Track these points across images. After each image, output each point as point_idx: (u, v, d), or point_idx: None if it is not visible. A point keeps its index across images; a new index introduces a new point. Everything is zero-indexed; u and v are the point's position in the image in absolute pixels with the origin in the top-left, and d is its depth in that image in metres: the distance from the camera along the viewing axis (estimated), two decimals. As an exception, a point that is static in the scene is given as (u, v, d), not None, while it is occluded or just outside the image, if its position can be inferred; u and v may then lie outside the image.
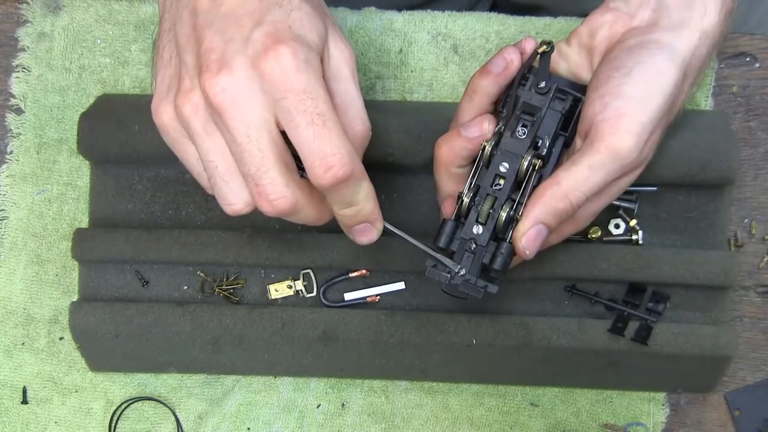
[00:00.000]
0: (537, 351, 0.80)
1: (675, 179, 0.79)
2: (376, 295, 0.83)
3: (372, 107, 0.82)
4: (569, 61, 0.74)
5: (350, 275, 0.83)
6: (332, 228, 0.82)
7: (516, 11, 0.86)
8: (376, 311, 0.81)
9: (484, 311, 0.81)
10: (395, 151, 0.79)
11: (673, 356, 0.80)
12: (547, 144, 0.69)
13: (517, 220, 0.67)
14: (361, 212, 0.65)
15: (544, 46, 0.71)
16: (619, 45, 0.70)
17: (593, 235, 0.82)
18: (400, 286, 0.83)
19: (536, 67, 0.71)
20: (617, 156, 0.66)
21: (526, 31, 0.85)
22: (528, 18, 0.86)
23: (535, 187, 0.68)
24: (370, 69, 0.85)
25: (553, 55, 0.74)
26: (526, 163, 0.67)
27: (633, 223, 0.82)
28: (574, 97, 0.70)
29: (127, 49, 0.86)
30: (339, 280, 0.83)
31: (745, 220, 0.84)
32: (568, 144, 0.72)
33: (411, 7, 0.86)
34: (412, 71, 0.85)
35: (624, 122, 0.66)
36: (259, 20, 0.60)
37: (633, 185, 0.80)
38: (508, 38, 0.85)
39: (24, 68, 0.86)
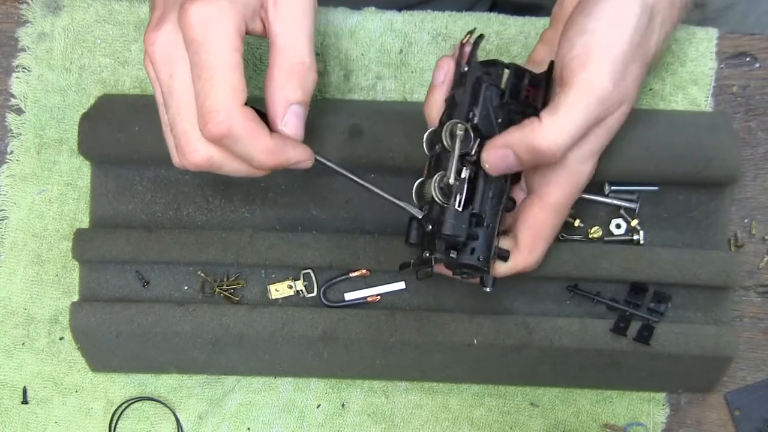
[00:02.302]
0: (538, 351, 0.80)
1: (679, 176, 0.79)
2: (377, 295, 0.83)
3: (372, 108, 0.82)
4: (551, 43, 0.75)
5: (350, 275, 0.83)
6: (332, 228, 0.83)
7: (516, 11, 0.86)
8: (376, 311, 0.81)
9: (485, 311, 0.81)
10: (395, 153, 0.79)
11: (675, 356, 0.80)
12: (477, 113, 0.69)
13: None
14: (262, 165, 0.65)
15: (468, 36, 0.72)
16: None
17: (594, 235, 0.82)
18: (401, 286, 0.83)
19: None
20: (593, 88, 0.66)
21: (526, 32, 0.85)
22: (528, 18, 0.86)
23: (468, 159, 0.69)
24: (371, 69, 0.85)
25: (540, 46, 0.76)
26: (448, 131, 0.68)
27: (634, 223, 0.82)
28: (514, 69, 0.71)
29: (128, 49, 0.85)
30: (339, 280, 0.83)
31: (745, 220, 0.84)
32: (533, 106, 0.71)
33: (411, 7, 0.86)
34: (412, 72, 0.85)
35: (592, 56, 0.66)
36: None
37: (634, 185, 0.81)
38: (508, 38, 0.85)
39: (24, 68, 0.86)
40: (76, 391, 0.85)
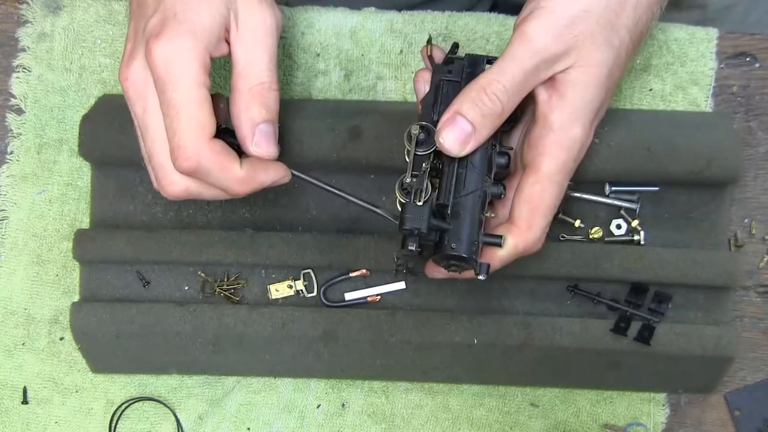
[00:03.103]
0: (539, 351, 0.80)
1: (681, 176, 0.79)
2: (377, 295, 0.83)
3: (372, 108, 0.82)
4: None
5: (351, 275, 0.83)
6: (332, 228, 0.83)
7: (516, 11, 0.86)
8: (376, 311, 0.81)
9: (486, 311, 0.81)
10: (395, 154, 0.79)
11: (675, 357, 0.80)
12: (437, 110, 0.70)
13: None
14: (238, 194, 0.67)
15: (428, 46, 0.73)
16: None
17: (595, 236, 0.82)
18: (401, 285, 0.83)
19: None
20: (527, 41, 0.67)
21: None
22: (528, 18, 0.86)
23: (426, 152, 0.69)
24: (371, 70, 0.85)
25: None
26: (406, 135, 0.69)
27: (635, 223, 0.82)
28: (468, 59, 0.71)
29: (128, 50, 0.86)
30: (339, 280, 0.83)
31: (745, 220, 0.84)
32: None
33: (411, 8, 0.86)
34: (412, 72, 0.85)
35: (536, 12, 0.67)
36: (155, 7, 0.65)
37: (634, 186, 0.81)
38: (507, 39, 0.84)
39: (24, 68, 0.86)
40: (76, 391, 0.85)
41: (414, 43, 0.85)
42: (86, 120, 0.81)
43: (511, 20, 0.85)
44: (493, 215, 0.73)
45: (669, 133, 0.79)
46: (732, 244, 0.84)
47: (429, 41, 0.74)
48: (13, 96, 0.86)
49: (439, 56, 0.74)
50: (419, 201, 0.66)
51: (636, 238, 0.82)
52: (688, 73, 0.84)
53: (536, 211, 0.70)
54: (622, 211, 0.83)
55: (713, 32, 0.84)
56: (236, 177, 0.66)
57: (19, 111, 0.86)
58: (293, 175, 0.70)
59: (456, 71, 0.72)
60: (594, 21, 0.68)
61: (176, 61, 0.63)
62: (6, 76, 0.86)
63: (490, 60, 0.71)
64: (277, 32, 0.69)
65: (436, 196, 0.68)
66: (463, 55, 0.72)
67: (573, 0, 0.68)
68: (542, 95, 0.69)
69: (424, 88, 0.73)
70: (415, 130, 0.69)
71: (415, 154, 0.69)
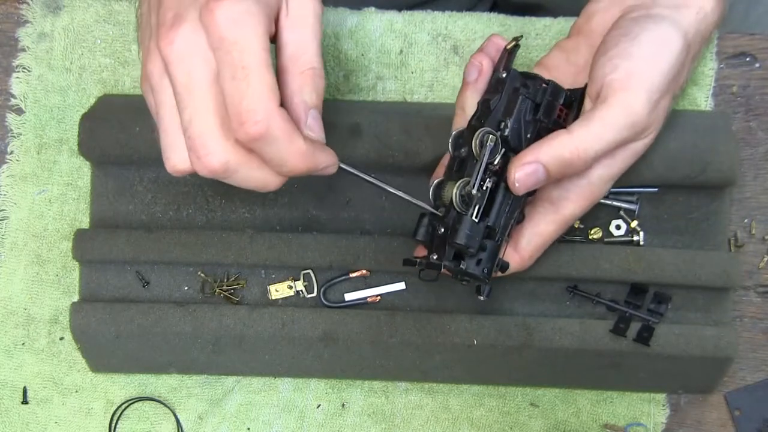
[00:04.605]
0: (538, 352, 0.80)
1: (676, 180, 0.79)
2: (377, 296, 0.83)
3: (372, 108, 0.82)
4: (569, 52, 0.76)
5: (350, 275, 0.83)
6: (333, 228, 0.83)
7: (516, 11, 0.86)
8: (376, 311, 0.81)
9: (486, 312, 0.81)
10: (395, 153, 0.79)
11: (675, 357, 0.80)
12: (509, 124, 0.69)
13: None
14: (294, 170, 0.62)
15: (513, 42, 0.72)
16: (622, 18, 0.72)
17: (594, 236, 0.82)
18: (401, 286, 0.83)
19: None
20: (629, 112, 0.67)
21: (526, 32, 0.85)
22: (528, 18, 0.86)
23: (490, 168, 0.68)
24: (371, 69, 0.85)
25: (555, 51, 0.76)
26: (478, 140, 0.68)
27: (634, 224, 0.82)
28: (552, 87, 0.70)
29: (128, 49, 0.85)
30: (339, 281, 0.83)
31: (745, 220, 0.84)
32: (562, 126, 0.71)
33: (411, 8, 0.86)
34: (412, 72, 0.85)
35: (635, 80, 0.68)
36: None
37: (634, 186, 0.81)
38: (507, 39, 0.85)
39: (24, 68, 0.86)
40: (76, 391, 0.85)
41: (414, 44, 0.85)
42: (86, 119, 0.81)
43: (511, 20, 0.85)
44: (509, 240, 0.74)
45: (667, 134, 0.79)
46: (732, 244, 0.84)
47: (517, 39, 0.72)
48: (13, 96, 0.86)
49: (495, 43, 0.73)
50: (476, 217, 0.67)
51: (635, 238, 0.82)
52: (688, 73, 0.84)
53: (543, 245, 0.74)
54: (622, 212, 0.83)
55: (713, 32, 0.84)
56: (300, 149, 0.61)
57: (19, 111, 0.86)
58: (339, 167, 0.66)
59: (534, 91, 0.70)
60: (669, 92, 0.71)
61: (244, 23, 0.59)
62: (6, 76, 0.86)
63: (567, 97, 0.71)
64: (321, 20, 0.66)
65: (488, 215, 0.69)
66: (546, 78, 0.71)
67: (662, 68, 0.69)
68: None
69: (477, 75, 0.72)
70: (491, 141, 0.67)
71: (486, 164, 0.68)
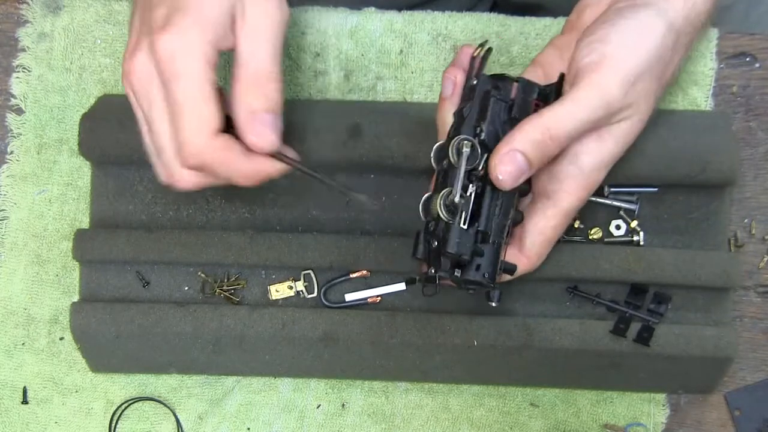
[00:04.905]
0: (539, 352, 0.80)
1: (676, 180, 0.79)
2: (377, 296, 0.83)
3: (372, 108, 0.82)
4: (562, 49, 0.75)
5: (351, 276, 0.83)
6: (333, 229, 0.83)
7: (516, 11, 0.86)
8: (376, 312, 0.81)
9: (486, 312, 0.81)
10: (395, 154, 0.79)
11: (675, 357, 0.80)
12: (484, 128, 0.69)
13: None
14: (244, 185, 0.67)
15: (478, 50, 0.72)
16: (608, 9, 0.72)
17: (594, 237, 0.82)
18: (401, 286, 0.83)
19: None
20: (601, 90, 0.67)
21: (526, 32, 0.85)
22: (528, 18, 0.85)
23: (475, 174, 0.69)
24: (371, 70, 0.85)
25: (549, 49, 0.76)
26: (454, 148, 0.68)
27: (634, 224, 0.82)
28: (522, 84, 0.70)
29: (128, 50, 0.85)
30: (340, 281, 0.83)
31: (745, 220, 0.84)
32: None
33: (411, 8, 0.86)
34: (412, 72, 0.85)
35: (608, 62, 0.68)
36: None
37: (634, 186, 0.81)
38: (508, 39, 0.85)
39: (24, 68, 0.86)
40: (76, 391, 0.85)
41: (414, 44, 0.85)
42: (86, 119, 0.81)
43: (511, 20, 0.85)
44: (510, 241, 0.74)
45: (667, 134, 0.79)
46: (732, 244, 0.84)
47: (483, 45, 0.72)
48: (13, 96, 0.86)
49: (467, 54, 0.73)
50: (464, 224, 0.67)
51: (635, 238, 0.82)
52: (688, 73, 0.84)
53: (548, 242, 0.73)
54: (622, 212, 0.83)
55: (713, 32, 0.84)
56: (242, 170, 0.65)
57: (19, 111, 0.86)
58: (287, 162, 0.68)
59: (506, 92, 0.70)
60: (651, 76, 0.70)
61: (181, 56, 0.62)
62: (6, 76, 0.86)
63: (542, 90, 0.71)
64: (283, 27, 0.67)
65: (477, 220, 0.68)
66: (515, 76, 0.71)
67: (639, 53, 0.68)
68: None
69: (452, 89, 0.72)
70: (466, 146, 0.68)
71: (465, 171, 0.68)
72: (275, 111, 0.66)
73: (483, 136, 0.68)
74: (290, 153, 0.69)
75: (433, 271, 0.69)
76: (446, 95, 0.73)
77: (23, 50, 0.86)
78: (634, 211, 0.82)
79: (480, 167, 0.68)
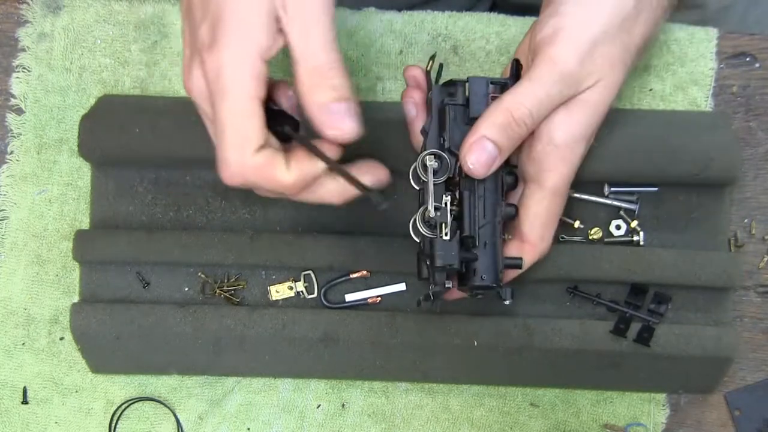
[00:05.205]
0: (539, 353, 0.80)
1: (676, 180, 0.79)
2: (377, 296, 0.83)
3: (373, 108, 0.82)
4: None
5: (351, 276, 0.83)
6: (333, 229, 0.83)
7: (516, 11, 0.86)
8: (377, 312, 0.81)
9: (486, 313, 0.81)
10: (395, 154, 0.79)
11: (675, 357, 0.80)
12: (446, 137, 0.70)
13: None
14: (293, 199, 0.67)
15: (430, 63, 0.73)
16: None
17: (594, 237, 0.82)
18: (401, 287, 0.83)
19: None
20: (555, 63, 0.67)
21: (526, 32, 0.85)
22: (528, 18, 0.85)
23: (445, 180, 0.70)
24: (371, 70, 0.85)
25: (526, 36, 0.75)
26: (420, 164, 0.69)
27: (634, 224, 0.82)
28: (471, 82, 0.70)
29: (128, 50, 0.85)
30: (340, 281, 0.83)
31: (745, 220, 0.84)
32: None
33: (411, 8, 0.86)
34: (412, 72, 0.85)
35: (561, 34, 0.68)
36: (203, 13, 0.63)
37: (634, 186, 0.81)
38: (508, 39, 0.85)
39: (24, 68, 0.86)
40: (76, 392, 0.85)
41: (414, 44, 0.85)
42: (86, 119, 0.81)
43: (511, 20, 0.85)
44: (509, 237, 0.74)
45: (668, 133, 0.79)
46: (732, 244, 0.84)
47: (433, 58, 0.73)
48: (13, 96, 0.86)
49: (413, 75, 0.74)
50: (446, 235, 0.67)
51: (635, 238, 0.82)
52: (688, 73, 0.84)
53: (546, 225, 0.73)
54: (622, 212, 0.83)
55: (713, 32, 0.84)
56: (283, 186, 0.64)
57: (19, 111, 0.86)
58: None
59: (458, 94, 0.71)
60: (612, 42, 0.69)
61: (225, 74, 0.61)
62: (6, 76, 0.86)
63: (494, 81, 0.71)
64: (329, 9, 0.63)
65: (460, 227, 0.69)
66: (465, 78, 0.71)
67: (593, 21, 0.68)
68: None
69: (416, 110, 0.73)
70: (430, 161, 0.68)
71: (435, 184, 0.69)
72: (346, 98, 0.64)
73: (447, 144, 0.69)
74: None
75: (432, 287, 0.69)
76: (411, 117, 0.74)
77: (23, 50, 0.86)
78: (634, 211, 0.82)
79: (454, 174, 0.69)
